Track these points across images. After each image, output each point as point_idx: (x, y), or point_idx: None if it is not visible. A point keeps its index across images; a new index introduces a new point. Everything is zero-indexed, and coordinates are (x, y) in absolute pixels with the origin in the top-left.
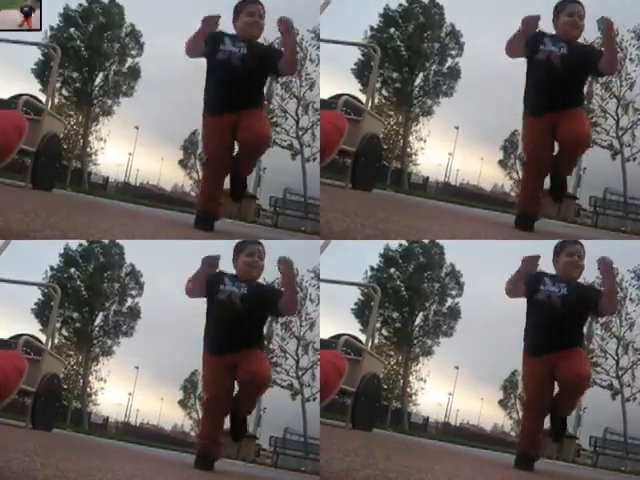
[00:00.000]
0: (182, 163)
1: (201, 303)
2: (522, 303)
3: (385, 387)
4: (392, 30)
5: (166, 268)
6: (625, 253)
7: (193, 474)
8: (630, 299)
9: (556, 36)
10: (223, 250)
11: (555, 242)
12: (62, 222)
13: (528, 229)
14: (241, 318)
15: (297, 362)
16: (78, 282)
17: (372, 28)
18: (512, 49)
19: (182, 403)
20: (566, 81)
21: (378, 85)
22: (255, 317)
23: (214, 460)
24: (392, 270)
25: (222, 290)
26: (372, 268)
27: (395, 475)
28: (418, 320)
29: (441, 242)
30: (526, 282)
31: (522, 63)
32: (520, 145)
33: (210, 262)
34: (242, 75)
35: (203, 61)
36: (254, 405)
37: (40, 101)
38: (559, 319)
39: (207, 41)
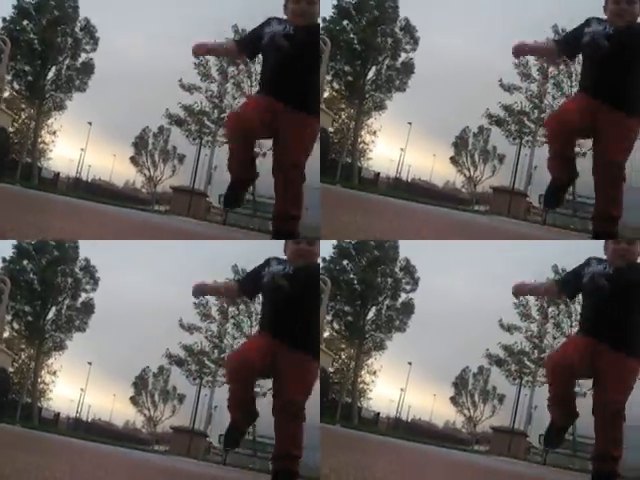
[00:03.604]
0: (134, 160)
1: (157, 300)
2: (478, 300)
3: (336, 381)
4: (345, 22)
5: (121, 264)
6: (570, 256)
7: (136, 469)
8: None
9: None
10: (177, 250)
11: (504, 242)
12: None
13: (560, 202)
14: (292, 302)
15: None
16: (31, 275)
17: (325, 20)
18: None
19: (134, 400)
20: (614, 64)
21: (329, 78)
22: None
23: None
24: (345, 262)
25: (265, 274)
26: (324, 260)
27: (328, 471)
28: (371, 314)
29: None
30: (573, 273)
31: (477, 60)
32: (470, 142)
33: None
34: (291, 56)
35: (158, 60)
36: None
37: None
38: (607, 303)
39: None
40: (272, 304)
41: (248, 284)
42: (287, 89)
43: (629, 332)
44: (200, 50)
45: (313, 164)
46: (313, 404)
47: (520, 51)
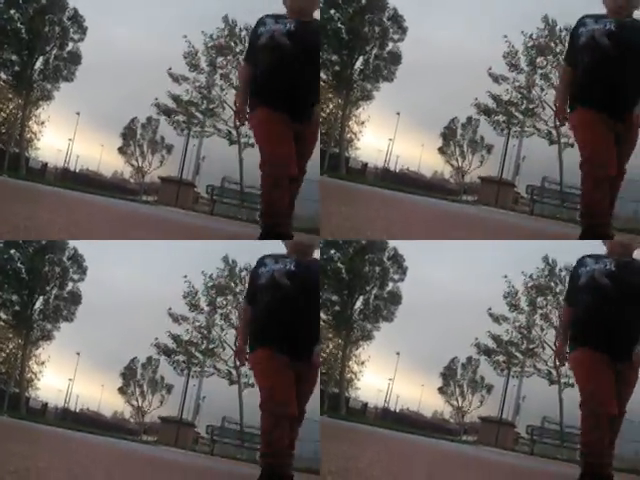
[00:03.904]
0: (122, 150)
1: (145, 290)
2: (467, 290)
3: (323, 371)
4: (332, 11)
5: (109, 253)
6: (561, 249)
7: (124, 459)
8: None
9: (602, 15)
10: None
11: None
12: None
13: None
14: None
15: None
16: (19, 264)
17: None
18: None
19: (122, 390)
20: (621, 65)
21: None
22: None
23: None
24: (332, 252)
25: (262, 273)
26: None
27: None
28: (358, 304)
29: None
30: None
31: (465, 50)
32: (459, 132)
33: None
34: (293, 56)
35: (146, 50)
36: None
37: None
38: (611, 303)
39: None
40: (274, 314)
41: (250, 293)
42: (287, 98)
43: (634, 341)
44: (241, 110)
45: (312, 157)
46: (313, 398)
47: (560, 114)
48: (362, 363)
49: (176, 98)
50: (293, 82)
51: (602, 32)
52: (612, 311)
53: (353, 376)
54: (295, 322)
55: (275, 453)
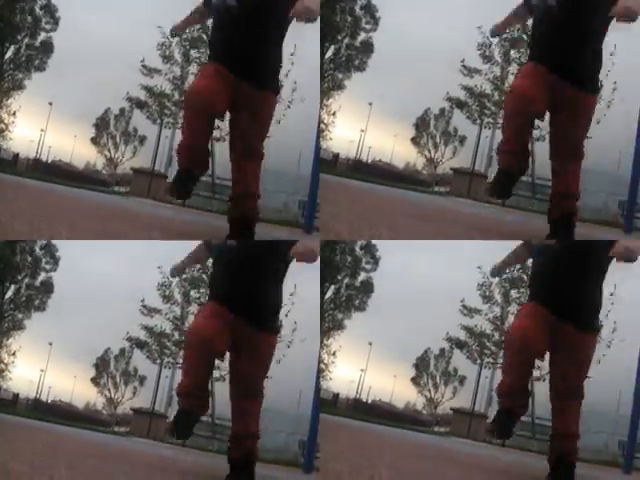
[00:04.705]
0: (95, 141)
1: (119, 281)
2: (440, 281)
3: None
4: None
5: (81, 243)
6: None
7: (89, 450)
8: None
9: None
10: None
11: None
12: None
13: (505, 192)
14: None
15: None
16: None
17: None
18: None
19: (94, 381)
20: (565, 28)
21: None
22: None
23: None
24: None
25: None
26: None
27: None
28: (329, 293)
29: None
30: None
31: (438, 41)
32: (432, 123)
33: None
34: (239, 16)
35: (120, 41)
36: None
37: None
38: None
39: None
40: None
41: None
42: (238, 60)
43: (585, 306)
44: (178, 29)
45: (307, 152)
46: (308, 394)
47: (498, 31)
48: (333, 353)
49: (149, 89)
50: (235, 37)
51: None
52: (560, 266)
53: (324, 366)
54: (250, 288)
55: (243, 437)
